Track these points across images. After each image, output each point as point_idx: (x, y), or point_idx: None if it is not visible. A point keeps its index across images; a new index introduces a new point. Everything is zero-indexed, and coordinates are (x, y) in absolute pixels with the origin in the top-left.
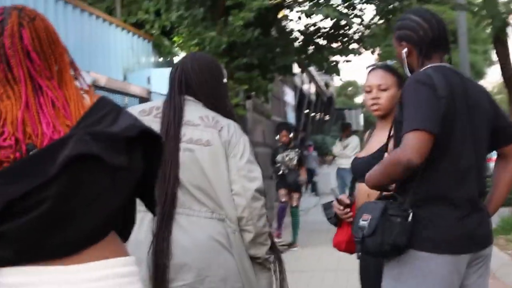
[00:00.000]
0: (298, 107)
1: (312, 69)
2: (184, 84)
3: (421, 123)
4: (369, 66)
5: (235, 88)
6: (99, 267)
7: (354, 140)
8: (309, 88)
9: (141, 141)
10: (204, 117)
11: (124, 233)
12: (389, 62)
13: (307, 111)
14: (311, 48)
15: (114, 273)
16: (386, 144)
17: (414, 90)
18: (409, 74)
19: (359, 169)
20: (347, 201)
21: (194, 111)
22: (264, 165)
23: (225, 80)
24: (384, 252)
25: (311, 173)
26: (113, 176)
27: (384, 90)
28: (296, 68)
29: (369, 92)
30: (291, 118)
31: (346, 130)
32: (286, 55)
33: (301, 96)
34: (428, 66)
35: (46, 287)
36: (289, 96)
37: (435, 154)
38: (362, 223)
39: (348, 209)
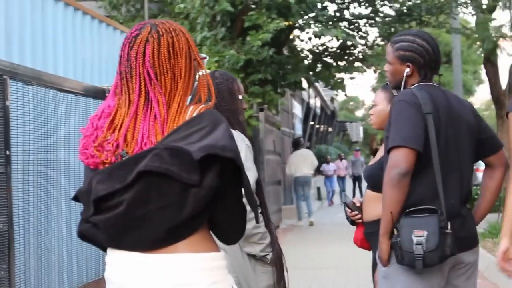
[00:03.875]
0: (305, 119)
1: (317, 84)
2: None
3: (403, 140)
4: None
5: (250, 101)
6: (177, 259)
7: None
8: (315, 102)
9: (219, 161)
10: None
11: (222, 236)
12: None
13: (312, 123)
14: (319, 66)
15: (194, 266)
16: None
17: (399, 109)
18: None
19: (369, 175)
20: (358, 204)
21: None
22: (273, 171)
23: (240, 97)
24: (441, 262)
25: (358, 179)
26: (183, 191)
27: (375, 105)
28: (305, 84)
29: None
30: (298, 129)
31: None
32: (297, 72)
33: (307, 109)
34: (414, 85)
35: (126, 269)
36: (297, 109)
37: (418, 167)
38: (418, 239)
39: (356, 212)
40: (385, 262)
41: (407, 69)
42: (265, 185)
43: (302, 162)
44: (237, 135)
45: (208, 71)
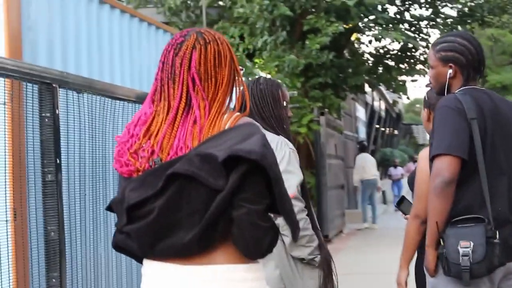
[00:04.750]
0: (369, 123)
1: (381, 87)
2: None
3: (446, 148)
4: (427, 85)
5: (310, 105)
6: (211, 270)
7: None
8: (379, 105)
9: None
10: None
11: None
12: None
13: (378, 126)
14: (380, 69)
15: (227, 277)
16: None
17: (442, 115)
18: (443, 95)
19: (410, 182)
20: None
21: None
22: (336, 175)
23: (285, 103)
24: (490, 273)
25: None
26: (210, 197)
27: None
28: (367, 87)
29: None
30: (362, 132)
31: None
32: (357, 75)
33: (371, 113)
34: (458, 89)
35: (161, 280)
36: (361, 113)
37: (463, 175)
38: (464, 250)
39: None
40: (432, 273)
41: (450, 70)
42: (327, 190)
43: (370, 164)
44: (281, 140)
45: (269, 75)
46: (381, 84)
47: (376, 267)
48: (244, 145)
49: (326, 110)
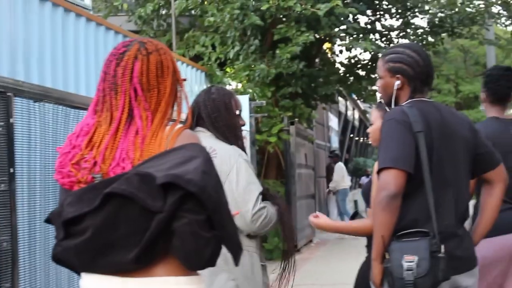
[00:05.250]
0: (343, 132)
1: (355, 97)
2: (197, 117)
3: (392, 162)
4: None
5: (280, 114)
6: (151, 282)
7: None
8: (353, 114)
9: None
10: None
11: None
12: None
13: (351, 135)
14: (351, 79)
15: None
16: None
17: (388, 128)
18: (393, 105)
19: (363, 192)
20: None
21: None
22: (306, 185)
23: (237, 112)
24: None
25: None
26: (148, 217)
27: (371, 124)
28: (339, 97)
29: None
30: (335, 142)
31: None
32: (328, 85)
33: (345, 122)
34: (406, 102)
35: None
36: (333, 122)
37: (410, 188)
38: (408, 264)
39: None
40: (378, 287)
41: (397, 82)
42: (296, 199)
43: (346, 173)
44: (235, 150)
45: (240, 84)
46: (351, 93)
47: (345, 277)
48: (184, 170)
49: (296, 119)
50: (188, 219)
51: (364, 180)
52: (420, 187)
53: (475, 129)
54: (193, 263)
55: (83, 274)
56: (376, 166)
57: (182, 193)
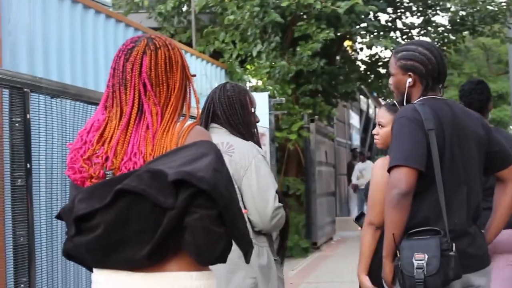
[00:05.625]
0: (364, 130)
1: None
2: (212, 113)
3: (403, 159)
4: (383, 104)
5: (300, 112)
6: (164, 277)
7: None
8: (375, 112)
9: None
10: (220, 143)
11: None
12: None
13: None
14: (372, 76)
15: (179, 284)
16: None
17: (400, 126)
18: (404, 104)
19: (365, 193)
20: None
21: (215, 138)
22: (326, 182)
23: (253, 109)
24: (445, 286)
25: None
26: (160, 214)
27: (383, 127)
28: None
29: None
30: (356, 139)
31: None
32: (348, 83)
33: (366, 120)
34: (417, 99)
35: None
36: (355, 120)
37: (421, 187)
38: (418, 263)
39: None
40: (389, 285)
41: (409, 79)
42: (316, 197)
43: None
44: (251, 146)
45: (260, 82)
46: (372, 91)
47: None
48: (196, 167)
49: (316, 117)
50: (199, 214)
51: None
52: (432, 185)
53: (488, 127)
54: (205, 258)
55: (95, 270)
56: (377, 163)
57: (194, 190)
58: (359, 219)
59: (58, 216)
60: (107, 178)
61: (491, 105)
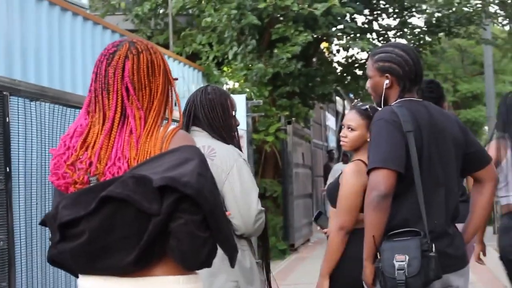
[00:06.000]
0: (340, 131)
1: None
2: (193, 116)
3: (382, 162)
4: (352, 106)
5: (277, 114)
6: (154, 281)
7: None
8: None
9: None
10: (202, 147)
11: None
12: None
13: None
14: (348, 78)
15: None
16: None
17: (378, 129)
18: (381, 106)
19: (328, 192)
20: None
21: (197, 142)
22: (303, 184)
23: (233, 112)
24: (426, 287)
25: None
26: (145, 220)
27: (352, 130)
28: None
29: (344, 128)
30: (332, 141)
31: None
32: (325, 84)
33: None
34: (395, 101)
35: None
36: (331, 121)
37: (400, 188)
38: (399, 264)
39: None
40: (370, 287)
41: (386, 81)
42: (293, 198)
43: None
44: (232, 149)
45: (237, 84)
46: (349, 93)
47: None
48: (180, 172)
49: (293, 119)
50: (184, 219)
51: None
52: (411, 187)
53: (465, 128)
54: (190, 263)
55: (80, 275)
56: (348, 168)
57: (178, 195)
58: (318, 218)
59: (42, 223)
60: (91, 184)
61: (445, 104)
